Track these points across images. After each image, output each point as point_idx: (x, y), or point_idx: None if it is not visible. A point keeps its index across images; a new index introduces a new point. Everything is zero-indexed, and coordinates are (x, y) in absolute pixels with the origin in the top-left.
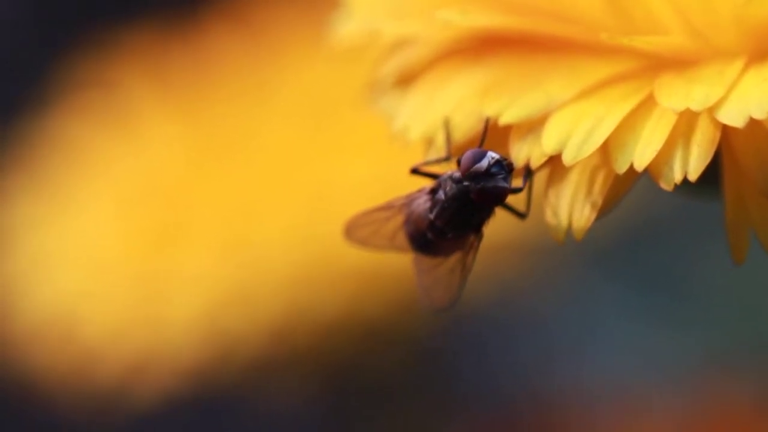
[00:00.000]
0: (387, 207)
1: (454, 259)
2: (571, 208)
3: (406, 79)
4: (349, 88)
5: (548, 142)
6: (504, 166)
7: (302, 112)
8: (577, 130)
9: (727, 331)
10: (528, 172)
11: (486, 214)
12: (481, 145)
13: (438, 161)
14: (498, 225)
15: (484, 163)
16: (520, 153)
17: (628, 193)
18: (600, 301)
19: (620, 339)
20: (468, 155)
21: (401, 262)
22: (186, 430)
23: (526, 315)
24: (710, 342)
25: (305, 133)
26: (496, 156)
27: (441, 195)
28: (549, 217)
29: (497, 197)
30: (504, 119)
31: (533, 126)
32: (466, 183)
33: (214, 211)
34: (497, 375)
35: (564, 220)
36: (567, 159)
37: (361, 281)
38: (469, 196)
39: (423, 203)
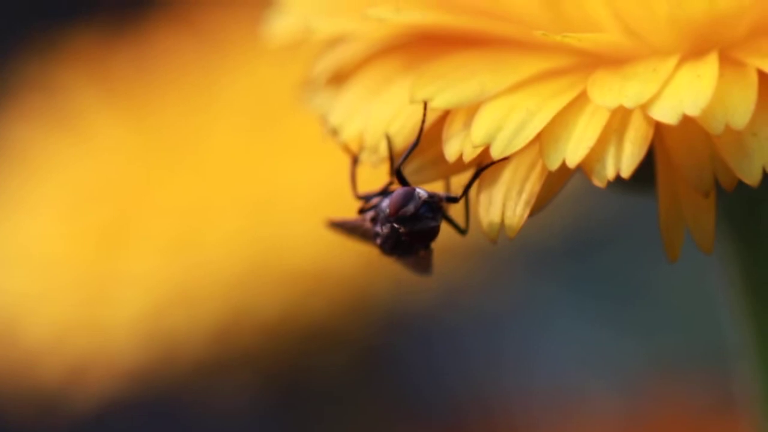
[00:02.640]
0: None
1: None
2: (503, 206)
3: (339, 77)
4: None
5: (477, 133)
6: (432, 206)
7: (249, 115)
8: (508, 123)
9: (675, 334)
10: (466, 186)
11: (424, 244)
12: (420, 132)
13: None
14: (445, 226)
15: (410, 207)
16: (452, 148)
17: (560, 190)
18: (548, 304)
19: (568, 341)
20: (396, 197)
21: (346, 264)
22: (129, 431)
23: (474, 317)
24: (658, 345)
25: (252, 135)
26: (424, 195)
27: (378, 228)
28: (482, 216)
29: (427, 237)
30: (435, 104)
31: (466, 121)
32: (395, 224)
33: (159, 214)
34: (443, 376)
35: (497, 219)
36: (495, 152)
37: (305, 283)
38: (401, 235)
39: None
